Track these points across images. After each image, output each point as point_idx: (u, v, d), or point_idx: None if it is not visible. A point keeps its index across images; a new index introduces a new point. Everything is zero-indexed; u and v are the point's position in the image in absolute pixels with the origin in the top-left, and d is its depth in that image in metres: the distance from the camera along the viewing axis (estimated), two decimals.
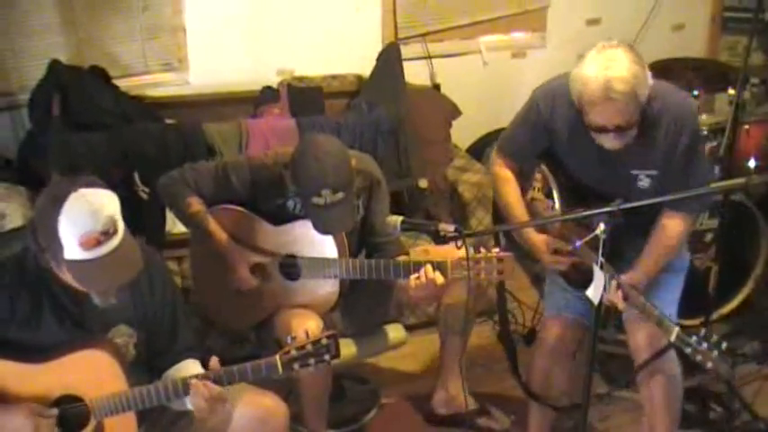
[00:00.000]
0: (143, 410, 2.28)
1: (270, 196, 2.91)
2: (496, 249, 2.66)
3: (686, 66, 4.20)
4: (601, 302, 2.28)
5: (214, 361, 2.27)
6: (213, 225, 2.91)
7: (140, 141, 3.68)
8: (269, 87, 4.27)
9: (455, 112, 4.45)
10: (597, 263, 2.23)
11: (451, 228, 2.43)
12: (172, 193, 2.94)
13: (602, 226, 2.19)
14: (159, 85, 4.26)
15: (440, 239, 2.46)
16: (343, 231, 2.86)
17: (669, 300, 2.71)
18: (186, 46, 4.29)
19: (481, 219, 4.05)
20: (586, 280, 2.52)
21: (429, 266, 2.71)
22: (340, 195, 2.68)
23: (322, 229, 2.78)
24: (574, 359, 3.11)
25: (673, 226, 2.66)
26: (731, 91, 3.60)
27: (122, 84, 4.06)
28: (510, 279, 2.69)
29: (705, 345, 2.20)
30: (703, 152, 2.69)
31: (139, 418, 2.31)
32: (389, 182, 3.86)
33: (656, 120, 2.57)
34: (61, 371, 2.19)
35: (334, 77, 4.45)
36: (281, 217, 2.92)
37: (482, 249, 2.66)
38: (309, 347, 2.24)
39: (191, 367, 2.37)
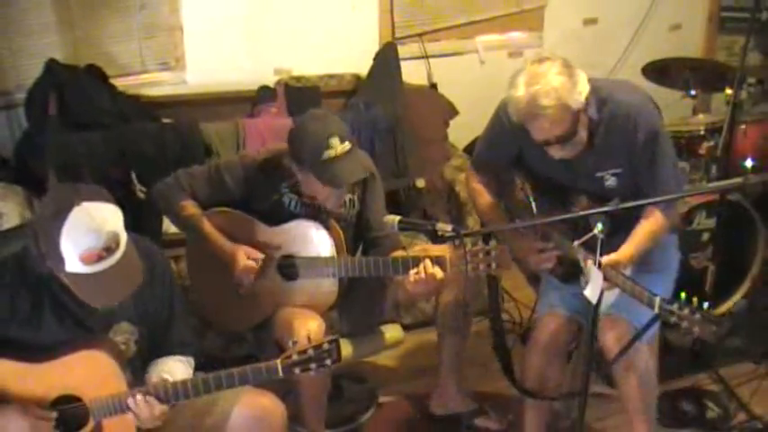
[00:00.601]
0: None
1: (265, 192, 2.91)
2: (493, 242, 2.66)
3: (683, 65, 4.19)
4: (599, 301, 2.28)
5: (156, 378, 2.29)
6: (209, 227, 2.91)
7: (138, 141, 3.68)
8: (266, 87, 4.28)
9: (452, 111, 4.45)
10: (595, 263, 2.23)
11: (449, 227, 2.43)
12: (166, 198, 2.94)
13: (599, 225, 2.19)
14: (156, 84, 4.26)
15: (437, 239, 2.47)
16: (357, 180, 2.88)
17: None
18: (183, 45, 4.29)
19: (478, 218, 4.05)
20: (574, 273, 2.54)
21: (428, 261, 2.71)
22: (348, 145, 2.72)
23: (343, 179, 2.77)
24: (569, 358, 3.12)
25: (651, 220, 2.66)
26: (728, 91, 3.60)
27: (119, 83, 4.06)
28: (507, 269, 2.69)
29: (687, 310, 2.20)
30: (668, 145, 2.70)
31: None
32: (386, 181, 3.87)
33: (610, 121, 2.62)
34: (61, 371, 2.19)
35: (331, 77, 4.46)
36: (278, 215, 2.92)
37: (479, 243, 2.66)
38: (311, 352, 2.24)
39: (170, 364, 2.38)
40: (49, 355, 2.19)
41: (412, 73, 4.55)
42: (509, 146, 2.84)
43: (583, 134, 2.58)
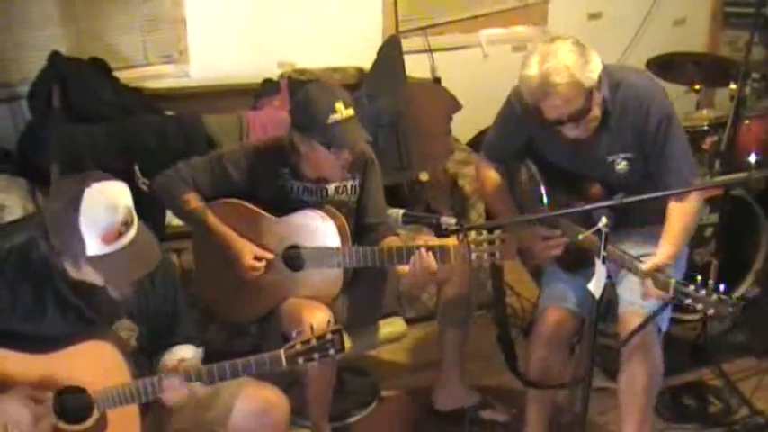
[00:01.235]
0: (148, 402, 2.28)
1: (268, 179, 2.92)
2: (498, 231, 2.64)
3: (687, 60, 4.19)
4: (602, 296, 2.28)
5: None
6: (213, 219, 2.90)
7: (141, 133, 3.68)
8: (269, 80, 4.27)
9: (455, 105, 4.45)
10: (600, 257, 2.22)
11: (453, 221, 2.43)
12: (169, 192, 2.93)
13: (603, 219, 2.19)
14: (159, 77, 4.25)
15: (442, 232, 2.46)
16: (362, 145, 2.90)
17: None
18: (187, 38, 4.28)
19: (481, 212, 4.05)
20: (579, 261, 2.54)
21: (423, 251, 2.71)
22: (351, 111, 2.76)
23: (349, 141, 2.79)
24: (572, 351, 3.12)
25: (679, 212, 2.66)
26: (732, 86, 3.60)
27: (122, 76, 4.05)
28: (512, 259, 2.69)
29: (703, 291, 2.21)
30: (680, 131, 2.70)
31: (144, 410, 2.30)
32: (390, 175, 3.88)
33: (622, 104, 2.62)
34: (64, 362, 2.19)
35: (334, 70, 4.45)
36: (283, 202, 2.92)
37: (483, 232, 2.66)
38: (314, 342, 2.24)
39: (181, 351, 2.38)
40: (52, 347, 2.19)
41: (415, 67, 4.55)
42: (520, 133, 2.84)
43: (597, 112, 2.57)
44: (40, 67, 3.82)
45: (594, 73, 2.50)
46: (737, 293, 3.75)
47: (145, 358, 2.37)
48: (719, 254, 3.46)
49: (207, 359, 2.40)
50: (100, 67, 3.98)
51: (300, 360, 2.25)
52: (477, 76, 4.92)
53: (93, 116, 3.75)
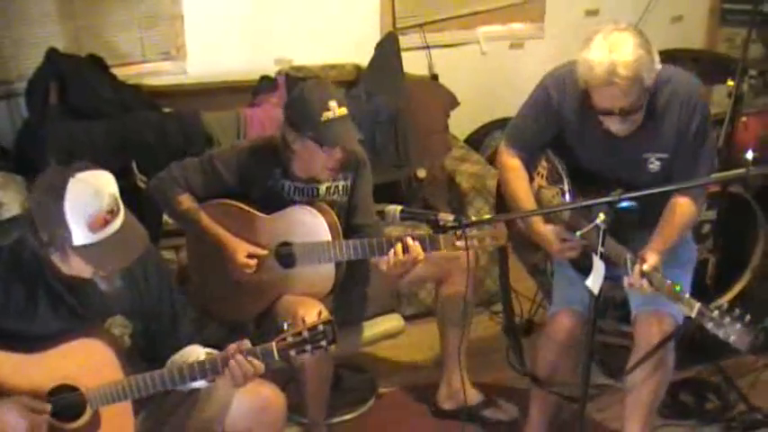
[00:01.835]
0: (140, 398, 2.28)
1: (259, 179, 2.92)
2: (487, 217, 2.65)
3: (685, 57, 4.19)
4: (600, 292, 2.27)
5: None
6: (206, 220, 2.92)
7: (139, 130, 3.68)
8: (267, 77, 4.26)
9: (453, 102, 4.44)
10: (597, 253, 2.22)
11: (451, 217, 2.43)
12: (163, 193, 2.94)
13: (601, 216, 2.18)
14: (157, 73, 4.25)
15: (439, 229, 2.46)
16: (353, 144, 2.88)
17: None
18: (184, 35, 4.28)
19: (479, 209, 4.05)
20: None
21: (399, 246, 2.71)
22: (345, 110, 2.75)
23: (340, 139, 2.78)
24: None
25: (682, 206, 2.67)
26: (730, 82, 3.59)
27: (120, 72, 4.05)
28: (502, 243, 2.67)
29: (728, 318, 2.20)
30: (713, 134, 2.71)
31: (137, 407, 2.30)
32: (387, 172, 3.88)
33: (668, 103, 2.59)
34: (57, 360, 2.19)
35: (332, 67, 4.44)
36: (275, 202, 2.92)
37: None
38: (306, 334, 2.23)
39: (198, 351, 2.36)
40: (44, 345, 2.18)
41: (413, 63, 4.54)
42: (551, 124, 2.77)
43: (642, 112, 2.54)
44: (38, 64, 3.81)
45: (655, 72, 2.48)
46: (726, 297, 3.74)
47: (138, 359, 2.35)
48: (717, 250, 3.46)
49: None
50: (97, 64, 3.97)
51: (293, 352, 2.24)
52: (474, 72, 4.93)
53: (90, 113, 3.75)
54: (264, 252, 2.90)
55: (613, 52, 2.40)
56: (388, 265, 2.75)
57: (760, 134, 3.83)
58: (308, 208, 2.88)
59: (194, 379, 2.25)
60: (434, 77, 4.69)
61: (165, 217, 3.45)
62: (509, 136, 2.93)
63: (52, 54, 3.82)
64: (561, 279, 2.92)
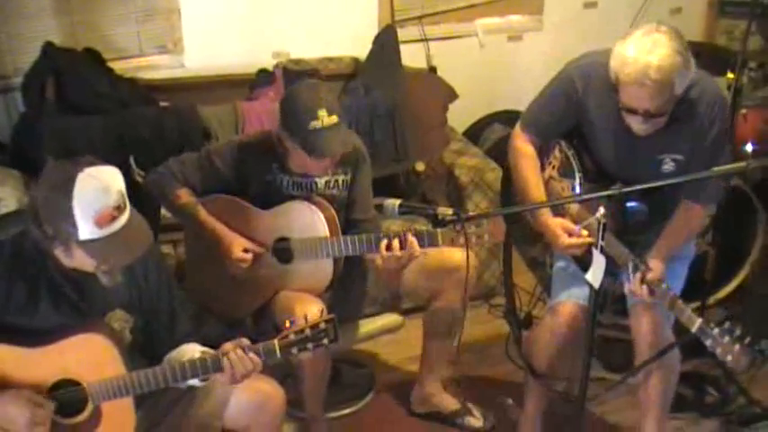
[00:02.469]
0: (141, 394, 2.27)
1: (257, 174, 2.91)
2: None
3: None
4: (601, 286, 2.27)
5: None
6: (204, 214, 2.91)
7: (136, 125, 3.66)
8: (264, 70, 4.25)
9: (452, 95, 4.43)
10: (598, 247, 2.21)
11: (450, 211, 2.42)
12: (160, 188, 2.94)
13: (601, 210, 2.18)
14: (154, 67, 4.22)
15: (438, 223, 2.45)
16: (340, 154, 2.84)
17: (674, 287, 2.70)
18: (181, 28, 4.25)
19: (478, 202, 4.04)
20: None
21: (396, 242, 2.69)
22: (335, 118, 2.70)
23: (326, 150, 2.75)
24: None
25: (690, 214, 2.67)
26: (730, 75, 3.58)
27: (117, 66, 4.02)
28: (500, 239, 2.65)
29: (727, 338, 2.19)
30: (727, 147, 2.67)
31: (137, 402, 2.30)
32: (385, 165, 3.87)
33: (692, 105, 2.55)
34: (58, 355, 2.18)
35: (330, 60, 4.42)
36: (273, 197, 2.91)
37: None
38: (308, 332, 2.24)
39: (194, 349, 2.36)
40: (46, 340, 2.18)
41: (411, 56, 4.52)
42: (571, 114, 2.74)
43: (666, 117, 2.51)
44: (34, 58, 3.79)
45: (687, 79, 2.44)
46: (725, 290, 3.75)
47: (139, 354, 2.35)
48: (716, 244, 3.46)
49: None
50: (94, 58, 3.95)
51: (294, 350, 2.24)
52: (473, 65, 4.91)
53: (87, 107, 3.73)
54: (260, 249, 2.89)
55: (651, 53, 2.36)
56: (383, 259, 2.73)
57: (759, 127, 3.83)
58: (306, 203, 2.87)
59: (195, 375, 2.25)
60: (433, 70, 4.67)
61: (163, 212, 3.44)
62: (526, 119, 2.87)
63: (49, 48, 3.80)
64: (562, 271, 2.91)
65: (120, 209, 2.07)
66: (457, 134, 4.55)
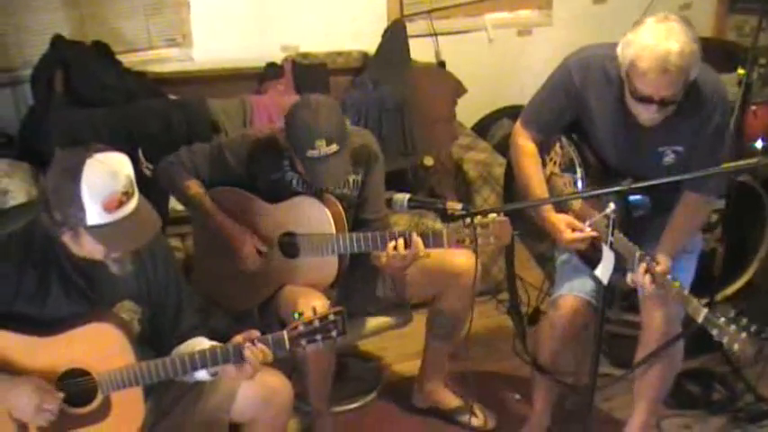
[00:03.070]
0: (149, 385, 2.28)
1: (267, 170, 2.90)
2: (493, 215, 2.55)
3: None
4: (610, 282, 2.27)
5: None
6: (212, 206, 2.91)
7: (144, 118, 3.66)
8: (273, 64, 4.25)
9: (460, 89, 4.43)
10: (607, 243, 2.21)
11: (459, 206, 2.41)
12: (170, 177, 2.94)
13: (611, 205, 2.17)
14: (162, 60, 4.23)
15: (447, 217, 2.44)
16: (336, 184, 2.85)
17: (683, 281, 2.70)
18: (190, 21, 4.25)
19: (486, 197, 4.04)
20: (599, 254, 2.52)
21: (401, 241, 2.67)
22: (334, 147, 2.66)
23: (317, 181, 2.77)
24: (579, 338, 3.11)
25: (693, 206, 2.65)
26: (740, 71, 3.57)
27: (125, 59, 4.03)
28: (506, 242, 2.62)
29: (733, 327, 2.19)
30: (729, 135, 2.68)
31: (145, 393, 2.30)
32: (394, 160, 3.86)
33: (694, 97, 2.54)
34: (68, 344, 2.19)
35: (339, 54, 4.42)
36: (281, 193, 2.90)
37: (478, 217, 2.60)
38: (317, 323, 2.24)
39: (203, 343, 2.36)
40: (56, 330, 2.19)
41: (420, 51, 4.51)
42: (570, 107, 2.74)
43: (675, 105, 2.50)
44: (43, 51, 3.79)
45: (698, 69, 2.43)
46: (734, 287, 3.73)
47: (147, 345, 2.35)
48: (725, 240, 3.45)
49: None
50: (103, 51, 3.95)
51: (303, 341, 2.24)
52: (481, 60, 4.90)
53: (96, 101, 3.73)
54: (265, 248, 2.90)
55: (668, 40, 2.35)
56: (387, 258, 2.72)
57: None
58: (314, 199, 2.86)
59: (205, 366, 2.25)
60: (441, 65, 4.66)
61: (171, 205, 3.45)
62: (526, 115, 2.87)
63: (57, 41, 3.80)
64: (564, 266, 2.91)
65: (128, 194, 2.08)
66: (465, 129, 4.54)
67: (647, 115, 2.51)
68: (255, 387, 2.39)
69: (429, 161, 4.12)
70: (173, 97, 3.96)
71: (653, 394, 2.80)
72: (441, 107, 4.35)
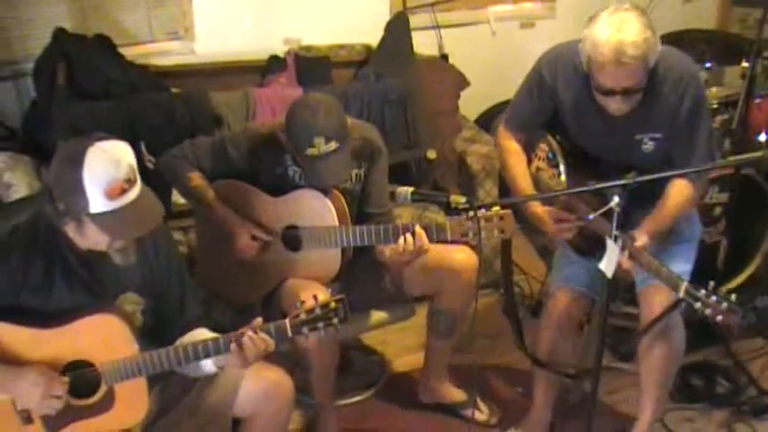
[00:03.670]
0: (153, 376, 2.29)
1: (268, 165, 2.90)
2: (497, 208, 2.54)
3: (697, 38, 4.15)
4: (614, 275, 2.26)
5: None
6: (214, 198, 2.91)
7: (147, 111, 3.66)
8: (276, 57, 4.24)
9: (463, 82, 4.42)
10: (611, 236, 2.20)
11: (463, 199, 2.40)
12: (173, 169, 2.94)
13: (615, 198, 2.17)
14: (165, 53, 4.22)
15: (451, 211, 2.44)
16: (336, 183, 2.84)
17: (682, 270, 2.70)
18: (192, 14, 4.24)
19: (489, 190, 4.04)
20: (593, 246, 2.52)
21: (409, 236, 2.67)
22: (333, 145, 2.66)
23: (316, 180, 2.77)
24: (581, 331, 3.11)
25: (678, 190, 2.65)
26: (744, 63, 3.56)
27: (128, 52, 4.01)
28: (511, 236, 2.63)
29: (714, 297, 2.18)
30: (708, 116, 2.68)
31: (149, 385, 2.31)
32: (397, 153, 3.85)
33: (661, 81, 2.57)
34: (72, 336, 2.20)
35: (341, 47, 4.41)
36: (283, 187, 2.90)
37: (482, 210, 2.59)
38: (318, 311, 2.24)
39: (205, 334, 2.36)
40: (59, 321, 2.20)
41: (423, 43, 4.51)
42: (546, 103, 2.77)
43: (641, 92, 2.52)
44: (45, 44, 3.79)
45: (657, 54, 2.45)
46: (737, 280, 3.72)
47: (150, 336, 2.35)
48: (728, 233, 3.44)
49: None
50: (105, 44, 3.94)
51: (305, 329, 2.24)
52: (485, 52, 4.89)
53: (98, 94, 3.73)
54: (268, 237, 2.89)
55: (621, 31, 2.38)
56: (392, 252, 2.72)
57: None
58: (317, 192, 2.86)
59: (208, 355, 2.25)
60: (444, 57, 4.66)
61: (174, 198, 3.45)
62: (507, 117, 2.93)
63: (59, 34, 3.79)
64: (561, 258, 2.94)
65: (130, 182, 2.08)
66: (468, 122, 4.53)
67: (615, 106, 2.53)
68: (257, 382, 2.40)
69: (432, 154, 4.11)
70: (175, 90, 3.95)
71: (656, 381, 2.80)
72: (444, 100, 4.34)
